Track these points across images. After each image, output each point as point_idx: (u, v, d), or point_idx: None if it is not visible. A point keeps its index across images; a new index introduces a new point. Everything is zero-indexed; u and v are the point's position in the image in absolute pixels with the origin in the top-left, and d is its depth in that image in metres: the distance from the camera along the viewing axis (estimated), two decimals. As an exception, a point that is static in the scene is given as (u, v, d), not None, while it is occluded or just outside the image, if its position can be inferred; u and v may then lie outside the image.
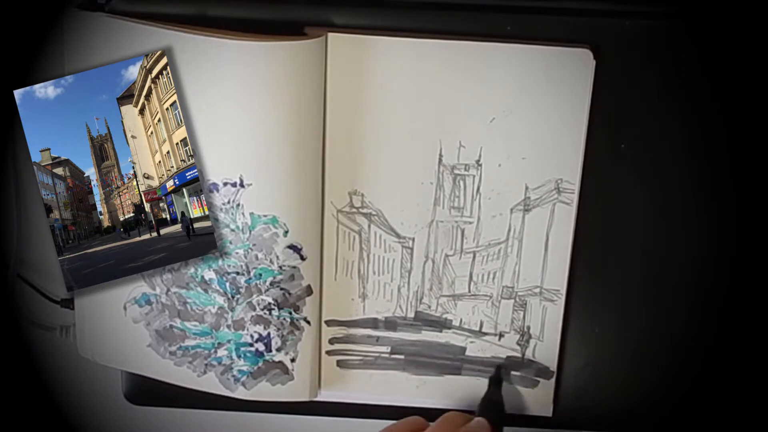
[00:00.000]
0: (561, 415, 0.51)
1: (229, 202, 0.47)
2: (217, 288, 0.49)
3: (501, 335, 0.50)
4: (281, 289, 0.48)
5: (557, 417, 0.51)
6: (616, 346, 0.50)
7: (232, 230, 0.47)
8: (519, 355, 0.50)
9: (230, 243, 0.48)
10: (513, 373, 0.50)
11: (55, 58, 0.46)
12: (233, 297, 0.49)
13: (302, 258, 0.48)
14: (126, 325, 0.50)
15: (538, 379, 0.50)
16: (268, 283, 0.48)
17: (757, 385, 0.50)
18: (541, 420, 0.51)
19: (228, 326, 0.49)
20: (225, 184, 0.47)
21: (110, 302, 0.49)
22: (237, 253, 0.48)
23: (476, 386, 0.50)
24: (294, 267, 0.48)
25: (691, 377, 0.50)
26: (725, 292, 0.49)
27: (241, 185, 0.46)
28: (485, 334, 0.50)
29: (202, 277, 0.49)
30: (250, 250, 0.48)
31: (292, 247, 0.47)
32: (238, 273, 0.48)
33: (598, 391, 0.50)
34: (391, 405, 0.51)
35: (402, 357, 0.50)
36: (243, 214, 0.47)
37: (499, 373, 0.50)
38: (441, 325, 0.50)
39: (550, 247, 0.48)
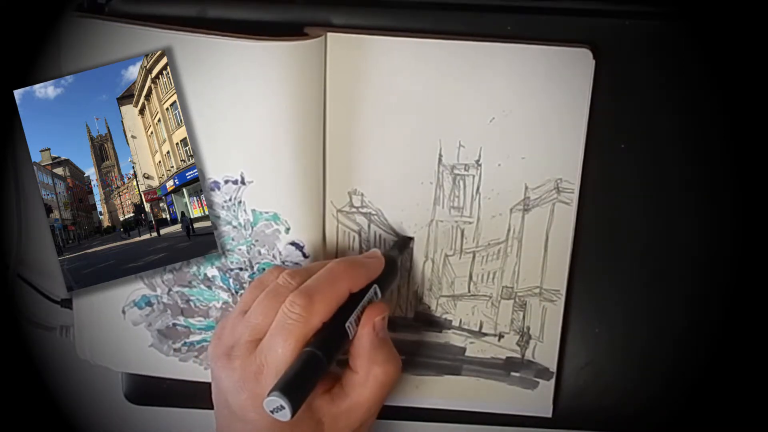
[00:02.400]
0: (561, 415, 0.50)
1: (230, 200, 0.47)
2: (221, 284, 0.49)
3: (501, 336, 0.50)
4: None
5: (557, 417, 0.50)
6: (616, 346, 0.50)
7: (234, 227, 0.48)
8: (519, 355, 0.50)
9: (232, 240, 0.48)
10: (513, 374, 0.50)
11: (55, 58, 0.46)
12: (237, 293, 0.49)
13: (305, 256, 0.48)
14: (126, 328, 0.50)
15: (538, 380, 0.50)
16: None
17: (758, 385, 0.50)
18: (541, 420, 0.51)
19: None
20: (226, 181, 0.47)
21: (108, 307, 0.49)
22: (240, 249, 0.48)
23: (476, 386, 0.50)
24: (296, 264, 0.48)
25: (691, 377, 0.50)
26: (725, 292, 0.49)
27: (242, 182, 0.47)
28: (485, 334, 0.50)
29: (205, 274, 0.49)
30: (252, 246, 0.48)
31: (294, 244, 0.48)
32: (241, 269, 0.48)
33: (598, 391, 0.50)
34: (391, 405, 0.51)
35: (402, 357, 0.50)
36: (245, 210, 0.47)
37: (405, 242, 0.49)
38: (441, 325, 0.50)
39: (550, 247, 0.48)
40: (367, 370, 0.42)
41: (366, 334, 0.42)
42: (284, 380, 0.38)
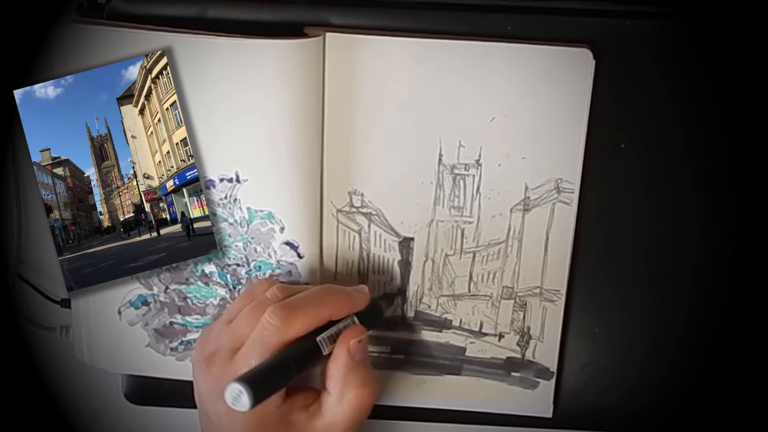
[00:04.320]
0: (561, 415, 0.51)
1: (226, 197, 0.47)
2: (218, 280, 0.49)
3: (501, 336, 0.50)
4: (280, 282, 0.48)
5: (557, 417, 0.50)
6: (616, 346, 0.50)
7: (231, 224, 0.48)
8: (519, 355, 0.50)
9: (229, 236, 0.48)
10: (513, 374, 0.50)
11: (55, 58, 0.46)
12: (235, 288, 0.49)
13: (299, 256, 0.48)
14: (122, 329, 0.50)
15: (538, 380, 0.50)
16: (267, 276, 0.48)
17: (758, 385, 0.50)
18: (541, 420, 0.51)
19: None
20: (221, 180, 0.47)
21: (105, 308, 0.49)
22: (237, 245, 0.48)
23: (476, 386, 0.50)
24: (291, 263, 0.48)
25: (692, 377, 0.50)
26: (726, 291, 0.49)
27: (237, 181, 0.47)
28: (485, 334, 0.50)
29: (203, 271, 0.49)
30: (249, 243, 0.48)
31: (288, 243, 0.48)
32: (238, 265, 0.48)
33: (598, 391, 0.50)
34: (391, 405, 0.51)
35: (402, 357, 0.50)
36: (240, 208, 0.47)
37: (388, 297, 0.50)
38: (441, 325, 0.50)
39: (550, 247, 0.48)
40: (341, 393, 0.42)
41: (341, 355, 0.42)
42: (248, 372, 0.38)
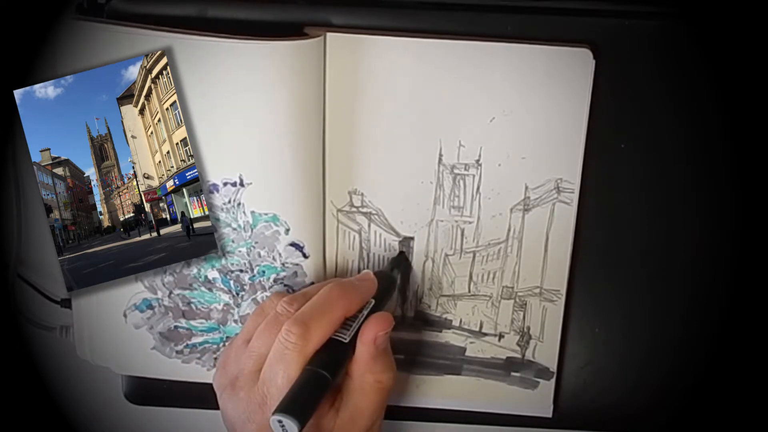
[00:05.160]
0: (561, 415, 0.51)
1: (229, 202, 0.47)
2: (222, 286, 0.49)
3: (501, 336, 0.50)
4: (285, 285, 0.48)
5: (557, 417, 0.51)
6: (616, 346, 0.50)
7: (234, 229, 0.48)
8: (519, 355, 0.50)
9: (232, 242, 0.48)
10: (513, 374, 0.50)
11: (55, 58, 0.46)
12: (238, 294, 0.49)
13: (305, 256, 0.48)
14: (127, 331, 0.50)
15: (538, 380, 0.50)
16: (271, 280, 0.48)
17: (758, 386, 0.50)
18: (541, 420, 0.51)
19: (235, 321, 0.49)
20: (225, 184, 0.47)
21: (109, 310, 0.49)
22: (240, 251, 0.48)
23: (476, 386, 0.50)
24: (297, 264, 0.48)
25: (692, 377, 0.50)
26: (725, 291, 0.49)
27: (241, 184, 0.47)
28: (485, 334, 0.50)
29: (206, 276, 0.49)
30: (252, 248, 0.48)
31: (294, 244, 0.48)
32: (241, 270, 0.48)
33: (598, 391, 0.50)
34: (391, 405, 0.51)
35: (402, 357, 0.50)
36: (244, 212, 0.47)
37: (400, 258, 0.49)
38: (441, 325, 0.50)
39: (550, 247, 0.48)
40: (362, 377, 0.42)
41: (367, 344, 0.42)
42: (285, 400, 0.38)
